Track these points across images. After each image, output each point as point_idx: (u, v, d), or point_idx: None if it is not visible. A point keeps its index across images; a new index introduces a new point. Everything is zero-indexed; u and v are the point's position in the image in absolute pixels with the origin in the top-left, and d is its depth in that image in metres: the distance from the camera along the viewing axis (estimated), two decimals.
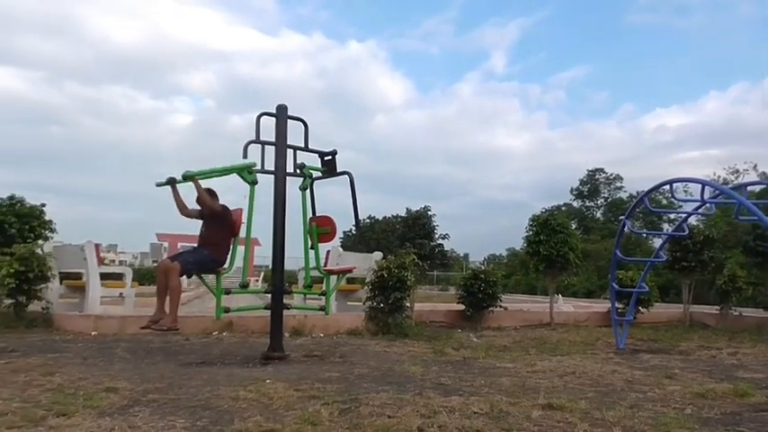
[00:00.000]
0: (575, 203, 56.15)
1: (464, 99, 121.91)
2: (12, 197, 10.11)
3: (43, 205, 10.46)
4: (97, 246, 10.65)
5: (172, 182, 6.49)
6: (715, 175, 37.02)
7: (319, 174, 7.33)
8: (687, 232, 9.46)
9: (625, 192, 53.41)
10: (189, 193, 6.65)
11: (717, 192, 8.33)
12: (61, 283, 10.42)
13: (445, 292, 27.91)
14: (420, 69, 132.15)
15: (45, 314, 9.14)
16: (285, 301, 6.96)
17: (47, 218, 10.42)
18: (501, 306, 11.18)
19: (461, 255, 50.92)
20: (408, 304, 9.86)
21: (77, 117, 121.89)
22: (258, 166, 6.76)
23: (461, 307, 11.26)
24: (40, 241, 9.94)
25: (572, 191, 56.47)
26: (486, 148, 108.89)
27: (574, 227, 27.42)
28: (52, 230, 10.50)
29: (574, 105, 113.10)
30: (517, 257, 38.76)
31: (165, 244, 33.40)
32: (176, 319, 6.37)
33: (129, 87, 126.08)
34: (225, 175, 6.60)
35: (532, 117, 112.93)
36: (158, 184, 6.47)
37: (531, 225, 11.99)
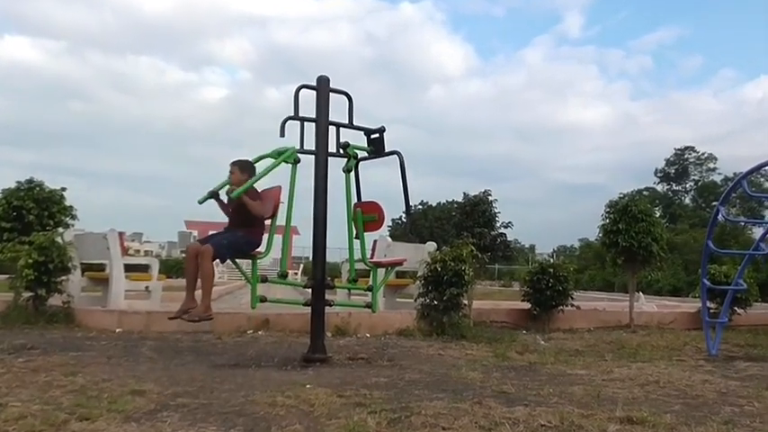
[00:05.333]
0: (659, 187, 55.25)
1: (533, 67, 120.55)
2: (30, 181, 10.40)
3: (63, 189, 10.75)
4: (121, 234, 10.94)
5: (214, 195, 6.63)
6: None
7: (365, 154, 7.34)
8: None
9: (719, 174, 52.29)
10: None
11: None
12: (83, 274, 10.73)
13: (508, 289, 27.77)
14: (482, 33, 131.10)
15: (66, 309, 9.40)
16: (327, 296, 7.00)
17: (67, 203, 10.70)
18: (572, 305, 11.05)
19: (527, 246, 50.51)
20: (466, 302, 9.84)
21: (100, 91, 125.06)
22: (297, 147, 6.80)
23: (527, 305, 11.19)
24: (60, 229, 10.22)
25: (656, 173, 55.54)
26: (557, 122, 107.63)
27: (658, 214, 26.92)
28: (73, 217, 10.78)
29: (661, 73, 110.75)
30: (591, 249, 38.24)
31: (195, 233, 34.21)
32: (210, 308, 6.44)
33: (156, 57, 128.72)
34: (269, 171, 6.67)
35: (612, 87, 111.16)
36: (200, 201, 6.57)
37: (608, 212, 11.82)
